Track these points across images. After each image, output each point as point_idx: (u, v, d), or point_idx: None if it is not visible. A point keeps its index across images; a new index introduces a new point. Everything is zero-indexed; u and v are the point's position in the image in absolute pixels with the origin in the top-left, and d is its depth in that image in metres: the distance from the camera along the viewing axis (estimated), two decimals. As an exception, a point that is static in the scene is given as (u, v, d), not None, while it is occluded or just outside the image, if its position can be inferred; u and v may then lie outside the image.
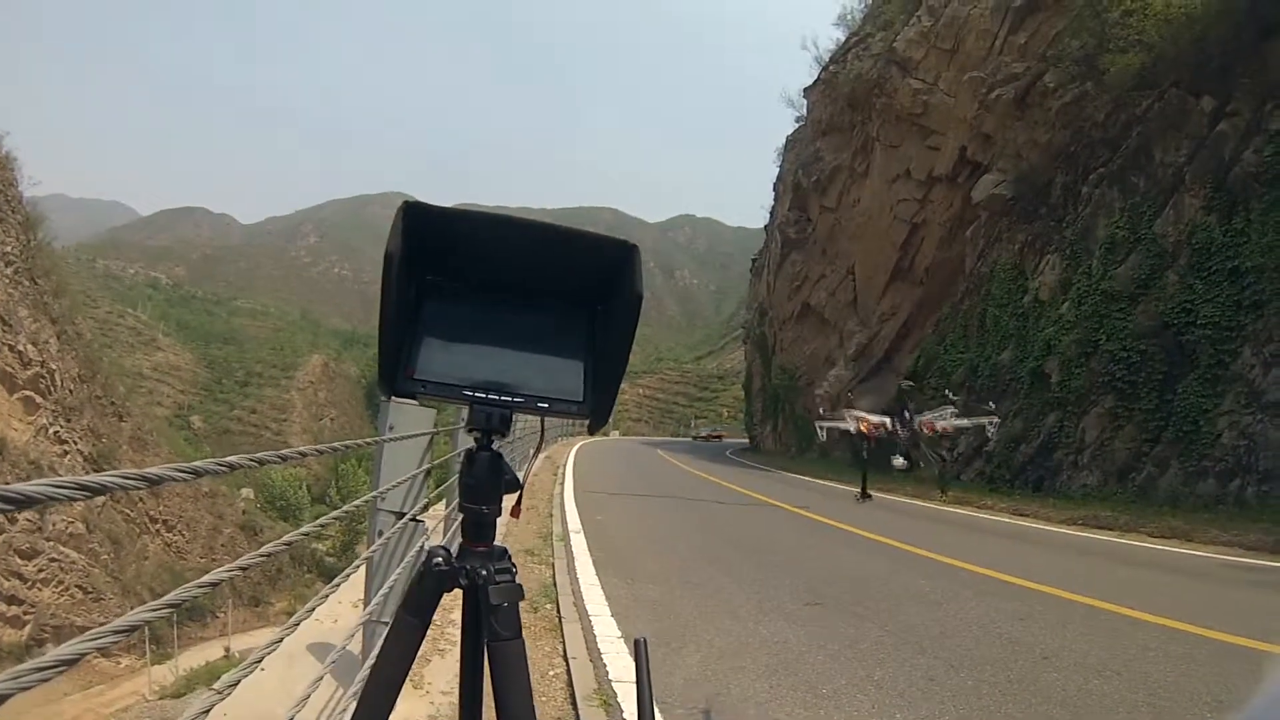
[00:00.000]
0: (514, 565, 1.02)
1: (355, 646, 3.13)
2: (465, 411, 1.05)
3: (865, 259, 28.10)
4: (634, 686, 1.10)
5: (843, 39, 31.27)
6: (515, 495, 1.05)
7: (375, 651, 1.03)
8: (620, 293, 0.97)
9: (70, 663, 0.75)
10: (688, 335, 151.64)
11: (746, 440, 46.11)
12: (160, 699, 16.37)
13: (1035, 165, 18.93)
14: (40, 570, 18.22)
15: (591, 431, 1.09)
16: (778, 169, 40.47)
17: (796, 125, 37.57)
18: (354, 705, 1.02)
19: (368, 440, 2.75)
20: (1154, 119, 15.25)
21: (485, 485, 1.00)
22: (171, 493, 26.14)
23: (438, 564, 1.00)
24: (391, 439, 3.17)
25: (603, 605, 5.25)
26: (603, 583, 5.94)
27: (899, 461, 15.99)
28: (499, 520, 1.03)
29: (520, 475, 1.08)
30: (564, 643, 4.27)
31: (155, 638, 20.31)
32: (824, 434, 17.65)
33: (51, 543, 18.66)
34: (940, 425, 15.31)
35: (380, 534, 3.24)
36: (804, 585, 6.26)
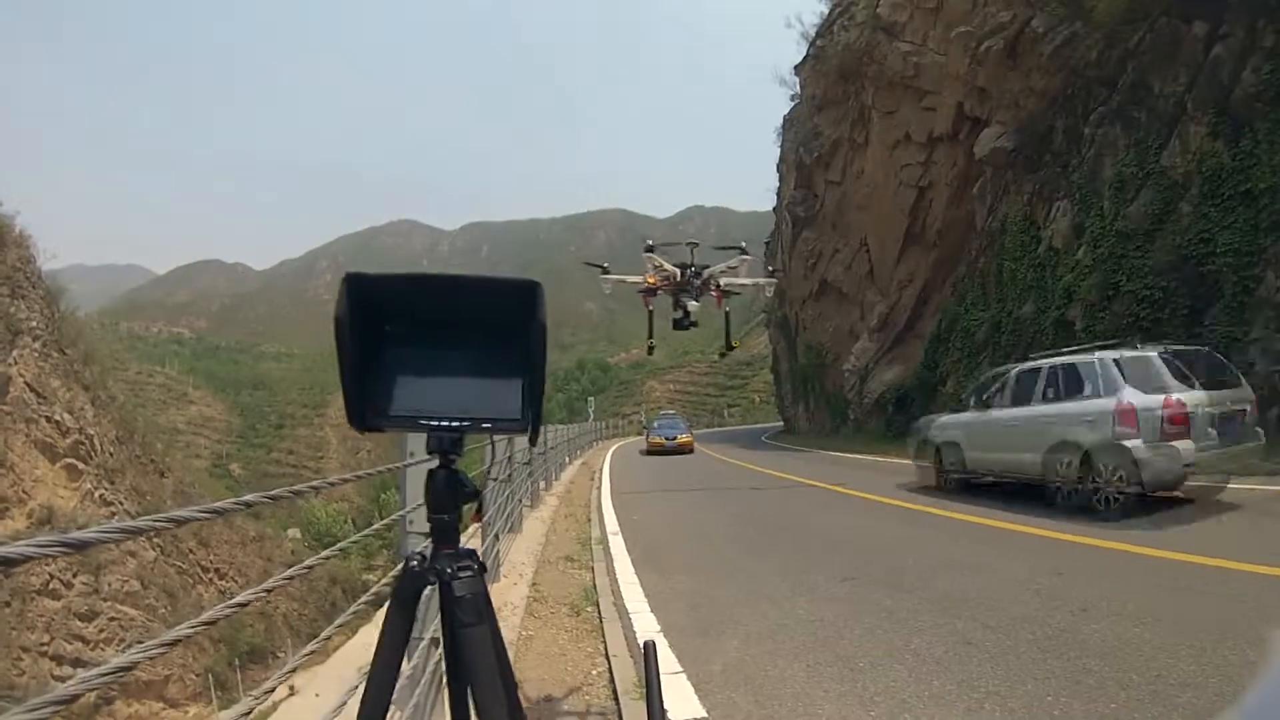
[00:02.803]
0: (478, 562, 1.18)
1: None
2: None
3: (876, 228, 27.96)
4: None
5: (827, 11, 31.06)
6: (475, 504, 1.19)
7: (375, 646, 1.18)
8: (530, 323, 1.10)
9: (127, 669, 0.95)
10: (710, 325, 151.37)
11: (780, 424, 45.99)
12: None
13: (1034, 113, 18.74)
14: (101, 630, 18.66)
15: (531, 444, 1.24)
16: (779, 149, 40.25)
17: (792, 104, 37.36)
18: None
19: (387, 468, 2.84)
20: (1148, 51, 15.04)
21: (445, 497, 1.17)
22: (220, 541, 26.66)
23: (414, 566, 1.17)
24: (412, 463, 3.27)
25: (641, 602, 5.33)
26: (641, 580, 6.03)
27: (693, 305, 15.33)
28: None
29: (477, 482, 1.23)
30: (605, 642, 4.36)
31: (220, 683, 20.72)
32: (608, 288, 16.83)
33: (109, 602, 19.09)
34: (724, 281, 15.03)
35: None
36: (841, 562, 6.29)
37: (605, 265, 16.13)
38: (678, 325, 16.08)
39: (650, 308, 15.40)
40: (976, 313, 20.88)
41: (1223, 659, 3.42)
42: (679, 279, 14.96)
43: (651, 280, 15.16)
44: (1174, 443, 7.12)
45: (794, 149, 34.71)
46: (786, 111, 38.46)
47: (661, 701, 1.19)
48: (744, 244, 15.65)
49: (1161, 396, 7.30)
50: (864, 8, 25.93)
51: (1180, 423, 7.17)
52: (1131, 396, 7.45)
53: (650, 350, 15.36)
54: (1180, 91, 14.13)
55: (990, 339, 19.59)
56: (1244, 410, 7.98)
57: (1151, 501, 7.44)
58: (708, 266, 15.02)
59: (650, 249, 14.48)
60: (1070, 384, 8.35)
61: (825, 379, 33.63)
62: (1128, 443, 7.29)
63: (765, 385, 74.42)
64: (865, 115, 27.23)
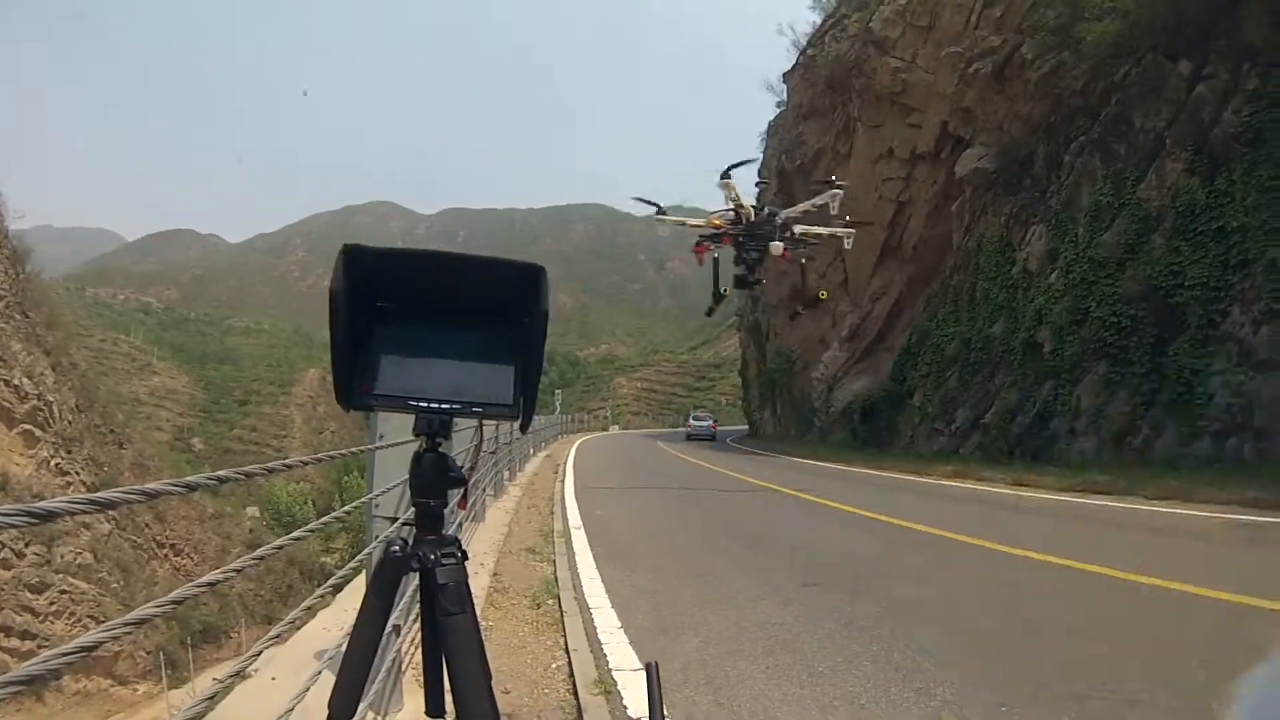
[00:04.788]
0: (461, 550, 1.15)
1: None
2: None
3: (853, 240, 28.15)
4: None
5: (819, 22, 31.28)
6: (461, 490, 1.16)
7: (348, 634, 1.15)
8: (533, 309, 1.09)
9: (89, 649, 0.90)
10: (682, 326, 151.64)
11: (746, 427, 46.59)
12: (180, 723, 16.40)
13: (1017, 137, 19.02)
14: (51, 603, 18.22)
15: (523, 431, 1.21)
16: (761, 155, 40.41)
17: (778, 110, 37.55)
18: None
19: (356, 449, 2.81)
20: (1132, 85, 15.33)
21: (431, 482, 1.13)
22: (177, 516, 26.14)
23: (395, 551, 1.13)
24: (381, 446, 3.23)
25: (603, 598, 5.32)
26: (603, 576, 6.01)
27: (776, 246, 13.45)
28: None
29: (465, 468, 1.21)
30: (565, 636, 4.35)
31: (171, 662, 20.32)
32: (665, 230, 15.15)
33: (61, 575, 18.64)
34: (799, 229, 13.71)
35: (376, 539, 3.31)
36: (802, 567, 6.34)
37: (660, 205, 14.10)
38: (741, 283, 14.12)
39: (715, 254, 13.72)
40: (947, 329, 21.15)
41: (1173, 678, 3.50)
42: (751, 219, 13.10)
43: (717, 223, 13.38)
44: (704, 423, 40.73)
45: (777, 155, 34.85)
46: (772, 118, 38.69)
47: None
48: (834, 176, 13.45)
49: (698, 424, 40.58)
50: (856, 21, 26.12)
51: (699, 421, 41.28)
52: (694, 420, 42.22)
53: (717, 301, 13.96)
54: (1161, 127, 14.42)
55: (960, 355, 19.85)
56: (709, 424, 40.69)
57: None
58: (777, 210, 13.02)
59: (728, 175, 12.76)
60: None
61: (793, 385, 33.88)
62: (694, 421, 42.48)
63: (733, 388, 74.70)
64: (850, 127, 27.45)
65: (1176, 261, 13.39)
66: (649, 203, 14.07)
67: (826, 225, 13.79)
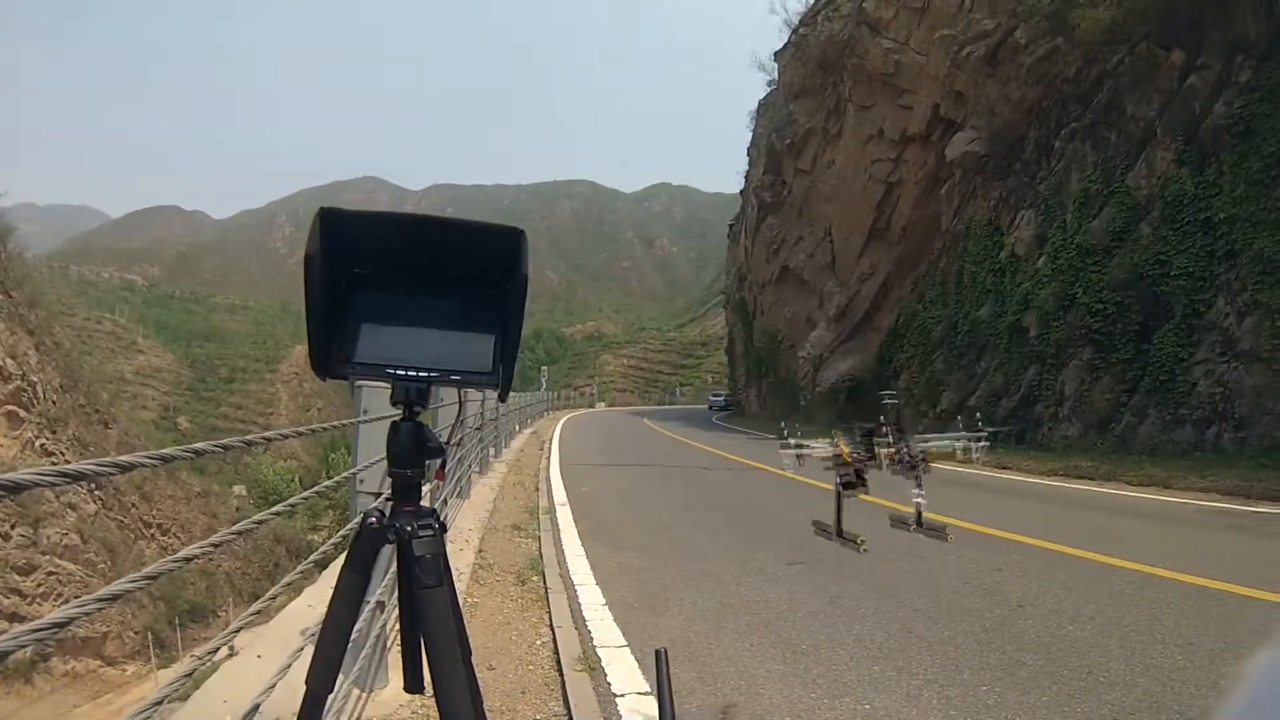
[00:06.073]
0: (438, 521, 1.13)
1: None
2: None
3: (842, 220, 28.18)
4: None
5: (812, 1, 31.07)
6: (439, 460, 1.14)
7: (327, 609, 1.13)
8: (512, 274, 1.07)
9: (61, 625, 0.87)
10: (669, 303, 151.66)
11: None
12: (169, 703, 16.43)
13: (1008, 122, 18.98)
14: (39, 585, 18.10)
15: (501, 399, 1.19)
16: (751, 133, 40.34)
17: (769, 89, 37.39)
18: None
19: (336, 424, 2.78)
20: (1125, 73, 15.32)
21: (409, 452, 1.11)
22: (163, 496, 26.00)
23: (371, 523, 1.11)
24: (364, 420, 3.20)
25: (588, 575, 5.34)
26: (588, 553, 6.04)
27: (920, 498, 13.09)
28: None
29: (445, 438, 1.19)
30: (550, 613, 4.36)
31: (159, 642, 20.30)
32: (788, 462, 14.71)
33: (47, 556, 18.51)
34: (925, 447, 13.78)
35: (360, 514, 3.27)
36: (787, 546, 6.37)
37: (787, 435, 14.21)
38: (848, 486, 14.34)
39: (839, 493, 13.47)
40: (935, 311, 21.21)
41: (1151, 660, 3.54)
42: (893, 460, 13.13)
43: (846, 455, 13.30)
44: (720, 398, 51.54)
45: (766, 134, 34.84)
46: (762, 96, 38.56)
47: (673, 709, 1.16)
48: (980, 420, 13.68)
49: (715, 399, 52.64)
50: (850, 0, 25.98)
51: (716, 397, 53.71)
52: (712, 397, 54.60)
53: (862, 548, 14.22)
54: (1152, 116, 14.43)
55: (946, 338, 19.92)
56: (723, 398, 50.11)
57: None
58: (914, 449, 13.27)
59: (884, 432, 12.59)
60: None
61: (779, 364, 34.01)
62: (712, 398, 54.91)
63: (719, 366, 74.74)
64: (841, 107, 27.35)
65: (1163, 250, 13.46)
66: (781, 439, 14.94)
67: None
